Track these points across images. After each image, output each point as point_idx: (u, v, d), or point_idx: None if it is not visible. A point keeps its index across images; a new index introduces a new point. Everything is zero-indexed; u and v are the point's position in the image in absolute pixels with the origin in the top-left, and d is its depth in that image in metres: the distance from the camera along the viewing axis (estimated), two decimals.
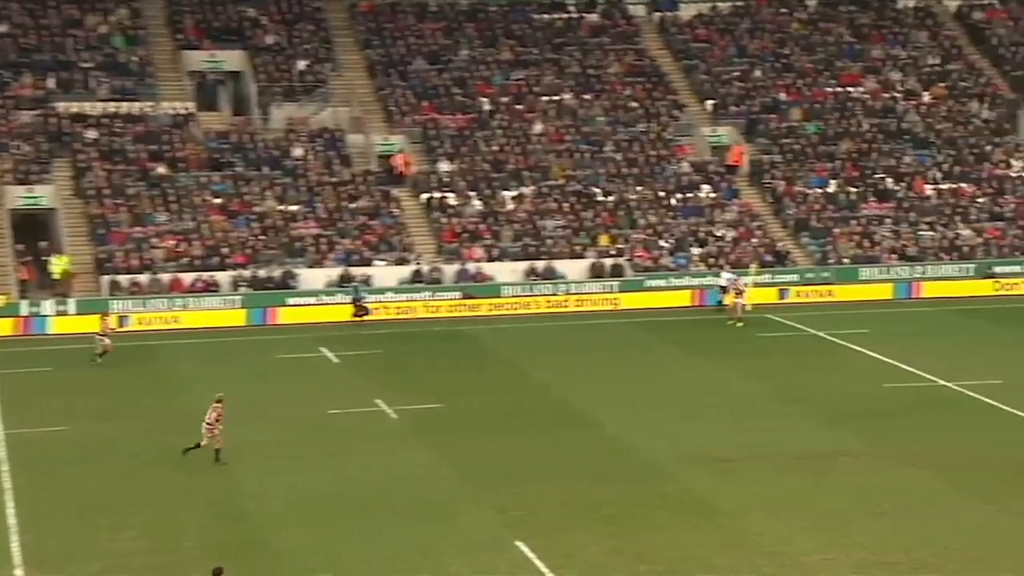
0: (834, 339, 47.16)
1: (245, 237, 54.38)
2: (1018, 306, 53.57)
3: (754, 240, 57.64)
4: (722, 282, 53.18)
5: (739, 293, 50.34)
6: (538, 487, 30.60)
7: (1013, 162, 62.62)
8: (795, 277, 56.19)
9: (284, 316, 51.27)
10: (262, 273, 52.89)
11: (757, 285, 53.56)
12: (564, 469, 32.02)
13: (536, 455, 33.32)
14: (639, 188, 59.17)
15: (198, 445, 31.78)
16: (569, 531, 27.55)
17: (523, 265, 55.28)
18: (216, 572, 21.91)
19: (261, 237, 54.51)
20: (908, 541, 26.84)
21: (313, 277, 53.29)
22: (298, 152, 58.20)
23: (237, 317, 50.81)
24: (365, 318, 50.98)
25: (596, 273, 55.28)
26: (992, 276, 56.61)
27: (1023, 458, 32.37)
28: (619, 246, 56.63)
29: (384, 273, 53.70)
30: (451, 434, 35.07)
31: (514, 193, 58.26)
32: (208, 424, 31.86)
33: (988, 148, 63.02)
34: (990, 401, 37.95)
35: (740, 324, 48.98)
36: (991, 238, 58.78)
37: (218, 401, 32.06)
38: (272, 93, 60.37)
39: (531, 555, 26.39)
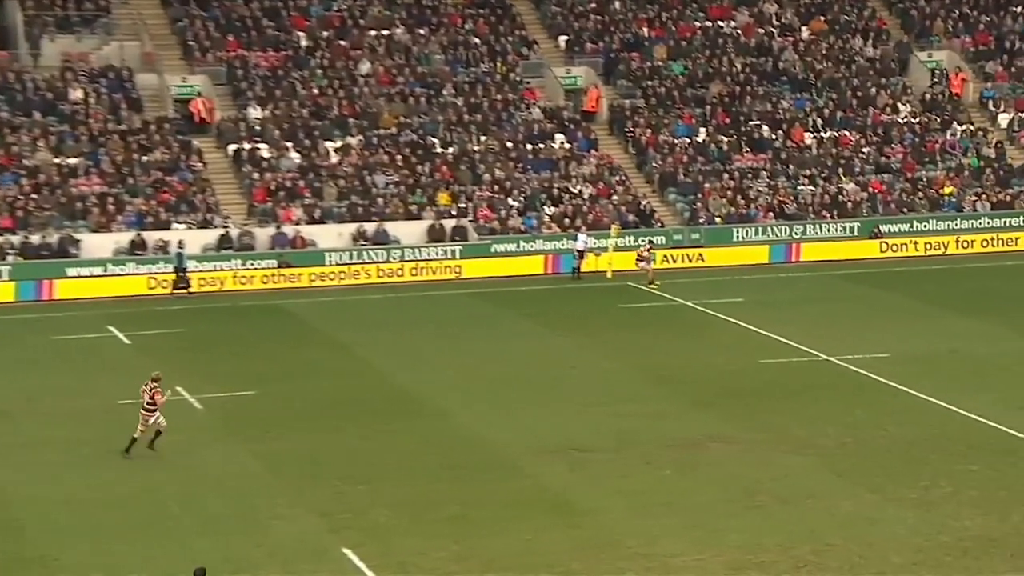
0: (705, 309, 48.11)
1: (13, 196, 52.89)
2: (907, 269, 55.45)
3: (614, 198, 58.36)
4: (579, 246, 53.84)
5: (643, 260, 51.83)
6: (370, 486, 30.56)
7: (901, 107, 64.67)
8: (661, 239, 57.10)
9: (63, 290, 50.12)
10: (35, 239, 51.53)
11: (617, 249, 54.27)
12: (400, 465, 32.02)
13: (367, 449, 33.24)
14: (483, 138, 59.32)
15: (134, 440, 31.57)
16: (405, 536, 27.59)
17: (350, 228, 55.00)
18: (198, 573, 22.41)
19: (33, 196, 53.09)
20: (786, 537, 27.58)
21: (99, 244, 52.17)
22: (77, 95, 56.76)
23: (4, 292, 49.50)
24: (187, 291, 50.22)
25: (435, 237, 55.30)
26: (878, 236, 58.45)
27: (911, 439, 33.55)
28: (461, 205, 56.74)
29: (185, 238, 52.83)
30: (266, 426, 34.78)
31: (338, 144, 57.82)
32: (146, 409, 31.42)
33: (873, 91, 64.92)
34: (876, 377, 39.22)
35: (654, 285, 50.90)
36: (876, 193, 60.67)
37: (155, 380, 31.65)
38: (43, 23, 58.62)
39: (360, 564, 26.37)
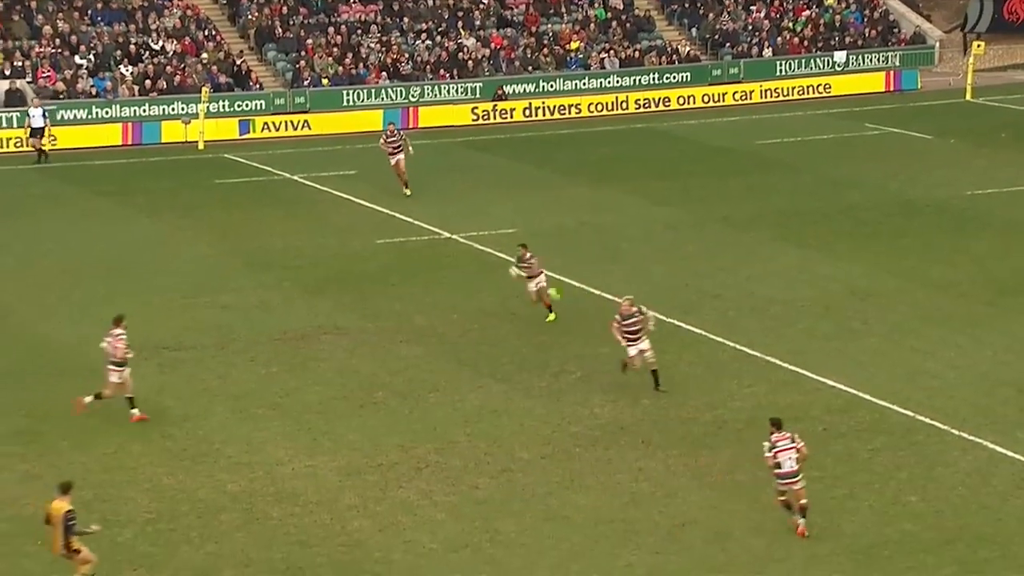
0: (312, 184, 48.15)
1: None
2: (534, 135, 56.98)
3: (204, 56, 57.24)
4: (36, 122, 51.08)
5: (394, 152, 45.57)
6: None
7: None
8: (260, 104, 56.51)
9: None
10: None
11: (209, 116, 53.41)
12: None
13: None
14: None
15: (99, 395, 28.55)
16: None
17: None
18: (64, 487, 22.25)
19: None
20: (407, 436, 28.19)
21: None
22: None
23: None
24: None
25: (32, 97, 53.02)
26: (502, 98, 59.69)
27: (540, 323, 34.74)
28: (16, 64, 54.45)
29: None
30: None
31: None
32: (114, 364, 28.45)
33: None
34: (502, 255, 40.25)
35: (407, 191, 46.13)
36: (499, 49, 61.83)
37: (117, 323, 28.95)
38: None
39: None
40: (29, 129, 50.72)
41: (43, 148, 50.33)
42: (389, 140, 45.83)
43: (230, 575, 23.11)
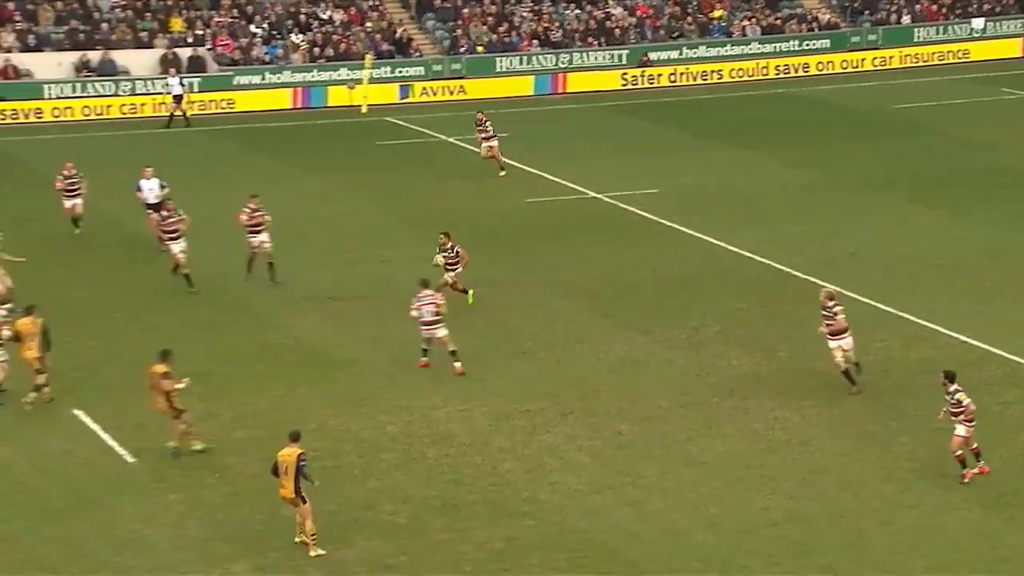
0: (466, 145, 48.39)
1: None
2: (677, 99, 56.66)
3: (368, 24, 57.73)
4: (175, 90, 51.53)
5: (487, 138, 44.29)
6: (101, 342, 30.33)
7: None
8: (419, 70, 56.93)
9: None
10: None
11: (372, 81, 53.93)
12: (135, 318, 31.75)
13: (96, 300, 32.84)
14: None
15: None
16: (143, 396, 27.41)
17: (71, 57, 53.22)
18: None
19: None
20: (554, 384, 28.38)
21: None
22: None
23: None
24: None
25: (168, 67, 53.94)
26: (648, 64, 59.41)
27: (681, 278, 34.69)
28: (197, 32, 55.36)
29: None
30: None
31: None
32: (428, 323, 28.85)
33: None
34: (645, 214, 40.26)
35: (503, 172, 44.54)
36: (644, 17, 61.49)
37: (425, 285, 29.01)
38: None
39: (93, 425, 26.29)
40: (171, 96, 51.36)
41: (185, 113, 50.99)
42: (479, 128, 44.09)
43: (390, 509, 23.54)
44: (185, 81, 52.16)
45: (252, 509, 23.41)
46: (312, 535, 21.93)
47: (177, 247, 33.53)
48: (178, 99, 51.16)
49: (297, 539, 22.16)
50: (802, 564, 21.86)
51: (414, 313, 28.69)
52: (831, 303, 27.48)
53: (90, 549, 22.38)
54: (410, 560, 22.07)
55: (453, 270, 32.23)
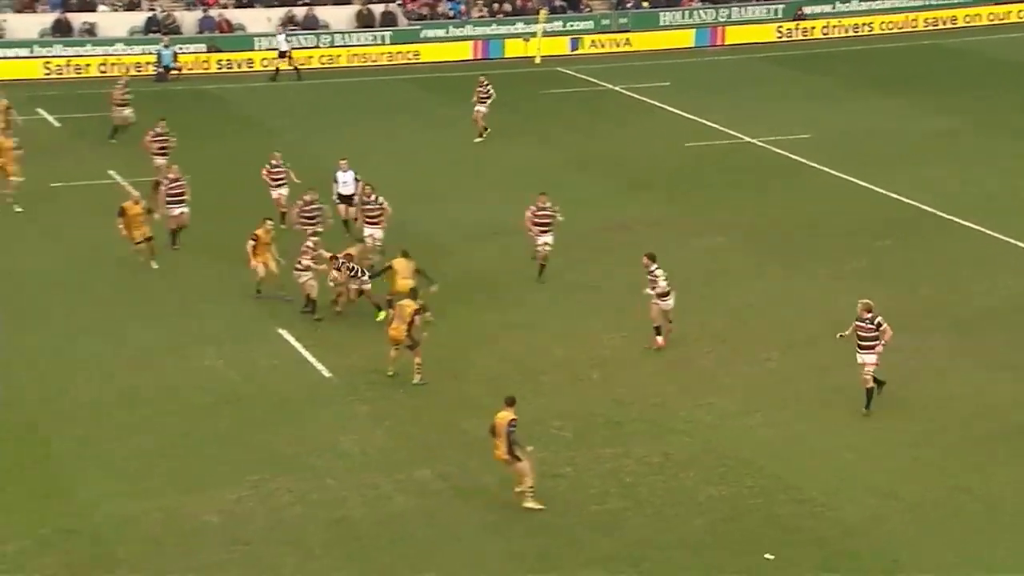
0: (631, 94, 48.13)
1: None
2: (829, 51, 55.52)
3: None
4: (282, 47, 50.59)
5: (481, 100, 41.53)
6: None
7: None
8: (588, 24, 56.63)
9: None
10: None
11: (545, 34, 53.85)
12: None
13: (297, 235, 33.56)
14: None
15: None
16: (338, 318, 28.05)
17: (279, 12, 54.01)
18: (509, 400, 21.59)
19: None
20: (704, 315, 28.30)
21: (23, 25, 51.06)
22: None
23: None
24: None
25: (364, 22, 54.47)
26: (802, 18, 58.28)
27: (828, 217, 34.20)
28: None
29: (110, 21, 51.62)
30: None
31: None
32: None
33: None
34: (796, 158, 39.69)
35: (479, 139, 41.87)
36: None
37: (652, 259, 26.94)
38: None
39: (296, 344, 26.97)
40: (279, 55, 50.68)
41: (296, 67, 50.52)
42: (479, 88, 41.95)
43: (556, 425, 23.79)
44: (291, 37, 51.51)
45: (432, 421, 23.86)
46: (530, 487, 21.26)
47: (379, 232, 30.37)
48: (283, 55, 50.60)
49: (517, 489, 21.43)
50: (935, 483, 21.59)
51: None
52: (868, 315, 23.83)
53: (290, 453, 23.05)
54: (575, 471, 22.32)
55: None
